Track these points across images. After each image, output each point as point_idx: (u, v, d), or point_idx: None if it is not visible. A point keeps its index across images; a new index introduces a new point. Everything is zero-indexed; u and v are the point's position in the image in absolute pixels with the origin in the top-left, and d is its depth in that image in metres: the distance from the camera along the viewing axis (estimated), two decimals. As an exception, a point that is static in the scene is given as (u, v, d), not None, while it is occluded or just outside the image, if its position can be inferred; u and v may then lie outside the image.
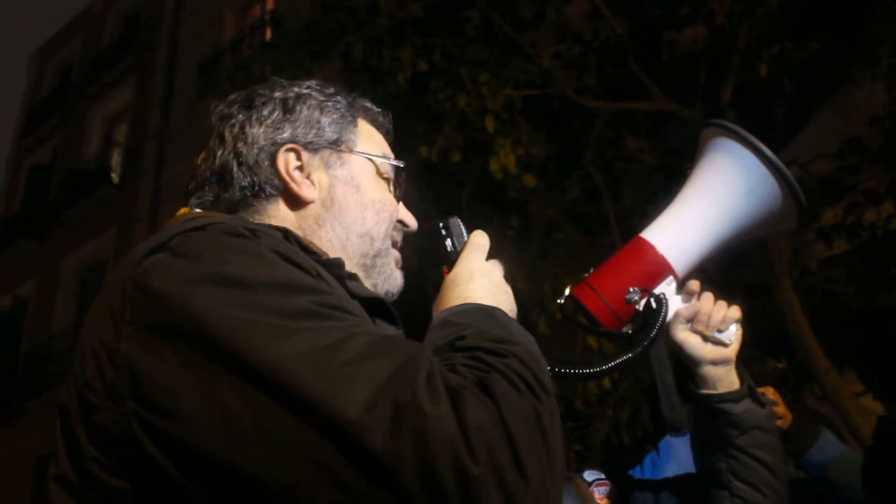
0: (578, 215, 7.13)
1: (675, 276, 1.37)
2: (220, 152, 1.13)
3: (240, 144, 1.11)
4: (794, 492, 1.68)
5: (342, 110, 1.17)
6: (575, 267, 5.95)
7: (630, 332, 1.34)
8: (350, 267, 1.07)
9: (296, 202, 1.11)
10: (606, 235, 6.71)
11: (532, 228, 6.50)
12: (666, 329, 1.39)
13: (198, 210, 1.11)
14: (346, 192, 1.13)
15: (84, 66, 18.64)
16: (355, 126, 1.18)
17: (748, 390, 1.46)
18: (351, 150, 1.16)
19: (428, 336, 0.92)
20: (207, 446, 0.75)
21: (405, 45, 6.37)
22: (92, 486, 0.83)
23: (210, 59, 14.81)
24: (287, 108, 1.14)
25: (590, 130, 6.89)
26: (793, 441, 2.58)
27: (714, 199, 1.38)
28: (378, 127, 1.24)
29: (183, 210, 1.11)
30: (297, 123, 1.13)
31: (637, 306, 1.33)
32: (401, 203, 1.22)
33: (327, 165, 1.13)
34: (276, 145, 1.11)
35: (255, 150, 1.11)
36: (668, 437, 2.77)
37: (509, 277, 1.11)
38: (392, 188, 1.20)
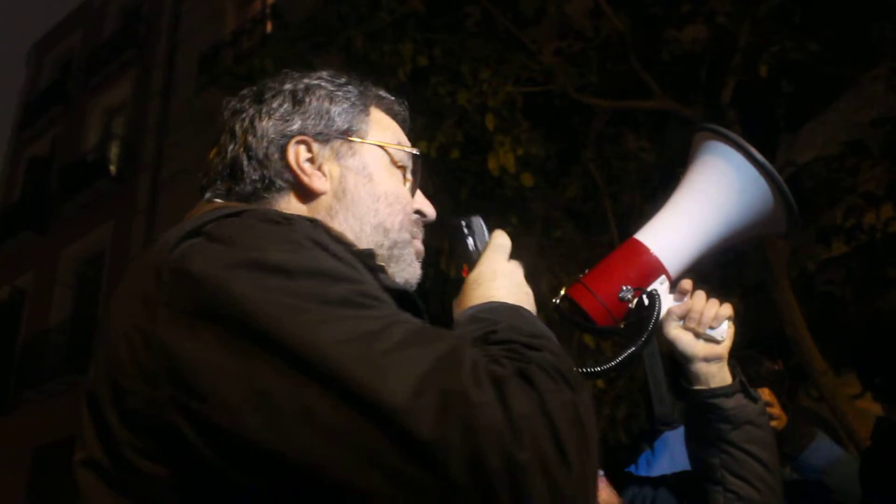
0: (577, 213, 7.13)
1: (668, 276, 1.40)
2: (230, 147, 1.12)
3: (249, 138, 1.11)
4: (788, 494, 1.68)
5: (353, 99, 1.16)
6: (573, 265, 5.95)
7: (623, 326, 1.35)
8: None
9: (307, 194, 1.10)
10: (605, 234, 6.71)
11: (530, 226, 6.49)
12: (659, 327, 1.41)
13: (218, 201, 1.10)
14: (357, 183, 1.11)
15: (84, 59, 18.64)
16: (367, 115, 1.16)
17: (740, 385, 1.47)
18: (362, 139, 1.14)
19: (461, 330, 0.92)
20: (246, 431, 0.74)
21: (406, 39, 6.36)
22: (125, 469, 0.82)
23: (210, 53, 14.79)
24: (296, 100, 1.13)
25: (589, 128, 6.89)
26: (787, 443, 2.58)
27: (705, 202, 1.41)
28: (393, 115, 1.22)
29: (201, 203, 1.10)
30: (307, 115, 1.12)
31: (630, 304, 1.35)
32: (419, 192, 1.20)
33: (338, 156, 1.12)
34: (286, 137, 1.10)
35: (265, 143, 1.10)
36: (664, 434, 2.77)
37: (530, 279, 1.11)
38: (407, 177, 1.18)
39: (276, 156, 1.09)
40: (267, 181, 1.09)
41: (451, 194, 6.18)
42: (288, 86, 1.14)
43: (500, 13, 6.61)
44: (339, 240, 0.93)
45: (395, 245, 1.12)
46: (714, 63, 6.26)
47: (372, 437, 0.71)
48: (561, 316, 1.43)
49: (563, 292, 1.40)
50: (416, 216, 1.18)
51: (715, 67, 6.23)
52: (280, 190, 1.10)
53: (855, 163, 6.14)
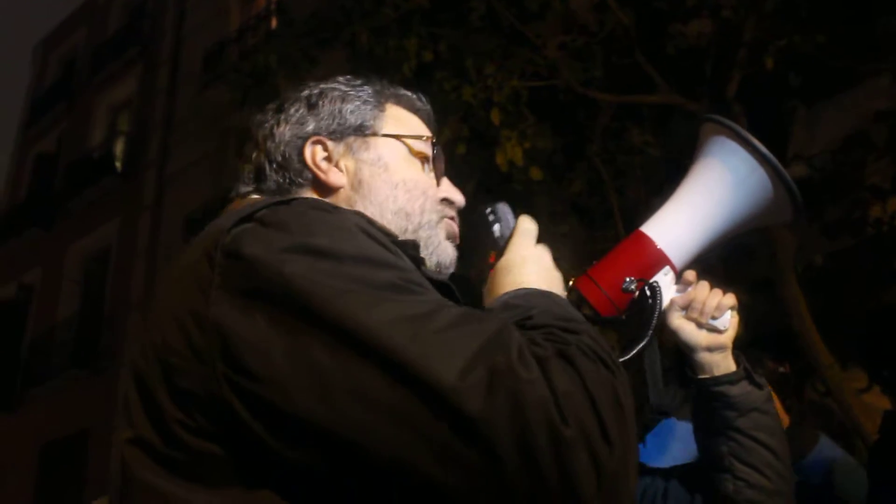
0: (582, 208, 7.13)
1: (673, 267, 1.40)
2: (254, 155, 1.18)
3: (269, 144, 1.17)
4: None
5: (365, 97, 1.20)
6: (578, 259, 5.95)
7: (625, 317, 1.37)
8: None
9: (326, 189, 1.14)
10: (610, 228, 6.71)
11: (536, 221, 6.49)
12: (662, 317, 1.42)
13: (255, 196, 1.14)
14: (373, 173, 1.15)
15: (89, 56, 18.66)
16: (382, 111, 1.20)
17: (745, 373, 1.47)
18: (376, 134, 1.17)
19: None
20: (298, 408, 0.77)
21: (411, 34, 6.36)
22: (176, 447, 0.84)
23: (215, 49, 14.81)
24: (310, 104, 1.18)
25: (594, 123, 6.89)
26: (790, 445, 2.57)
27: (708, 193, 1.42)
28: (414, 111, 1.26)
29: (237, 200, 1.15)
30: (321, 116, 1.17)
31: (634, 296, 1.36)
32: (445, 180, 1.22)
33: (353, 151, 1.16)
34: (302, 139, 1.15)
35: (283, 148, 1.15)
36: (667, 422, 2.76)
37: (558, 262, 1.13)
38: (428, 166, 1.21)
39: (295, 157, 1.15)
40: (288, 181, 1.14)
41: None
42: (304, 93, 1.20)
43: (505, 8, 6.61)
44: (385, 231, 0.96)
45: (419, 227, 1.14)
46: (719, 57, 6.24)
47: (422, 415, 0.73)
48: None
49: (570, 284, 1.40)
50: (445, 202, 1.20)
51: (720, 61, 6.22)
52: (300, 187, 1.14)
53: (860, 156, 6.12)
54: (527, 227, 1.16)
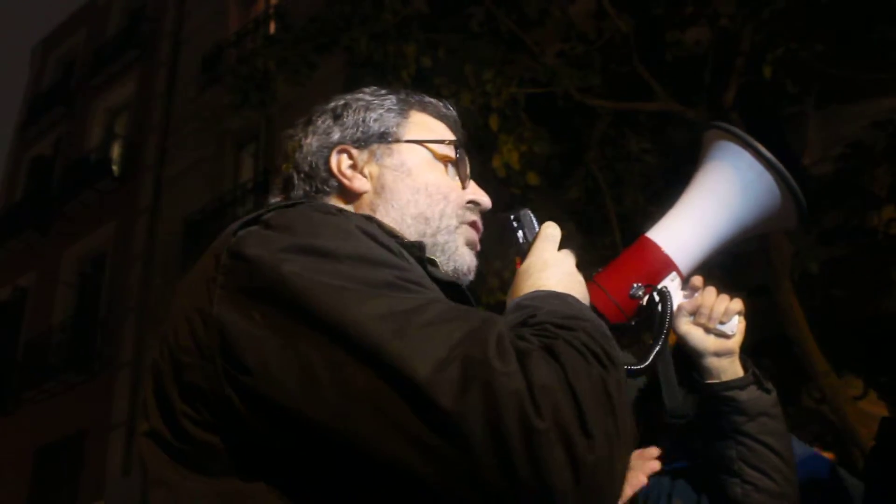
0: (579, 215, 7.14)
1: (679, 274, 1.41)
2: (284, 167, 1.23)
3: (298, 155, 1.21)
4: None
5: (388, 105, 1.23)
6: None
7: (633, 323, 1.37)
8: None
9: (350, 196, 1.18)
10: (607, 235, 6.72)
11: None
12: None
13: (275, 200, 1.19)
14: (396, 178, 1.17)
15: (87, 59, 18.64)
16: (405, 118, 1.23)
17: (753, 378, 1.49)
18: (398, 140, 1.20)
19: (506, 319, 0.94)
20: (288, 400, 0.80)
21: (410, 40, 6.38)
22: (183, 439, 0.88)
23: (213, 53, 14.82)
24: (336, 115, 1.22)
25: (592, 130, 6.90)
26: None
27: (715, 199, 1.42)
28: (440, 117, 1.28)
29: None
30: (346, 126, 1.20)
31: (641, 302, 1.36)
32: (472, 183, 1.25)
33: (376, 157, 1.19)
34: (328, 149, 1.19)
35: (310, 158, 1.19)
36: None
37: (583, 264, 1.14)
38: (453, 171, 1.23)
39: (321, 166, 1.19)
40: (315, 189, 1.19)
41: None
42: (331, 104, 1.25)
43: (504, 15, 6.63)
44: (391, 233, 1.00)
45: (437, 232, 1.16)
46: (717, 65, 6.26)
47: (400, 409, 0.75)
48: None
49: None
50: (470, 205, 1.23)
51: (718, 69, 6.24)
52: (326, 195, 1.18)
53: (858, 164, 6.14)
54: (549, 232, 1.17)
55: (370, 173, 1.18)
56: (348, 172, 1.18)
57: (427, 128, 1.24)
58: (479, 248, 1.23)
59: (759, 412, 1.47)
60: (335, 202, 1.17)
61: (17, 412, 15.25)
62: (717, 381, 1.48)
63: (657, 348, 1.28)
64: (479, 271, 1.23)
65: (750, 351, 1.52)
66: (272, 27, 13.07)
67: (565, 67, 6.47)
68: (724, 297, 1.46)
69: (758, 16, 5.92)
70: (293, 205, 0.97)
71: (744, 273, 5.78)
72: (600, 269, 1.42)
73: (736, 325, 1.47)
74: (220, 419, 0.85)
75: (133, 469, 12.29)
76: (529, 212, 1.23)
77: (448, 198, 1.19)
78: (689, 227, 1.42)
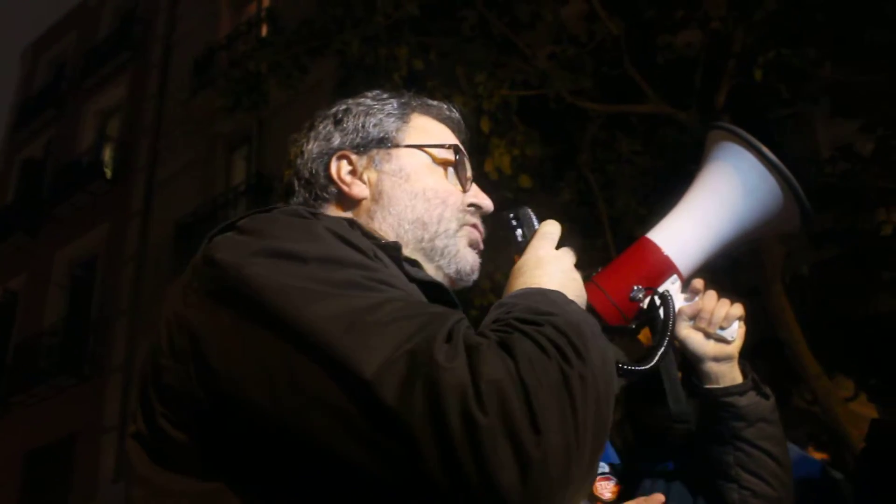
0: (572, 217, 7.15)
1: (680, 276, 1.38)
2: (286, 172, 1.23)
3: (299, 161, 1.21)
4: None
5: (388, 110, 1.22)
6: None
7: (633, 327, 1.35)
8: (409, 253, 1.10)
9: (350, 202, 1.18)
10: (599, 237, 6.73)
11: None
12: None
13: None
14: (394, 184, 1.17)
15: (78, 61, 18.57)
16: (405, 122, 1.22)
17: (752, 383, 1.48)
18: (398, 145, 1.19)
19: (485, 319, 0.93)
20: (248, 400, 0.81)
21: (402, 43, 6.38)
22: (161, 439, 0.89)
23: (205, 56, 14.78)
24: (336, 120, 1.21)
25: (584, 132, 6.91)
26: None
27: (717, 200, 1.40)
28: (442, 120, 1.27)
29: None
30: (345, 131, 1.20)
31: (641, 304, 1.34)
32: (473, 185, 1.23)
33: (375, 163, 1.18)
34: (328, 155, 1.19)
35: (310, 164, 1.19)
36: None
37: (580, 266, 1.12)
38: (453, 174, 1.21)
39: (321, 172, 1.19)
40: (314, 195, 1.19)
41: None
42: (333, 109, 1.24)
43: (496, 17, 6.63)
44: (369, 235, 1.00)
45: (436, 237, 1.15)
46: (708, 68, 6.28)
47: (347, 407, 0.75)
48: None
49: None
50: (471, 208, 1.21)
51: (709, 72, 6.26)
52: (325, 201, 1.18)
53: (847, 167, 6.17)
54: (547, 230, 1.15)
55: (369, 179, 1.17)
56: (347, 179, 1.17)
57: (428, 131, 1.23)
58: (482, 247, 1.22)
59: (757, 418, 1.46)
60: (333, 210, 1.17)
61: (7, 416, 15.17)
62: (716, 386, 1.47)
63: (661, 350, 1.26)
64: None
65: (742, 353, 1.51)
66: (264, 30, 13.07)
67: (557, 70, 6.48)
68: (725, 302, 1.45)
69: (749, 19, 5.95)
70: (269, 209, 0.98)
71: (735, 276, 5.80)
72: (599, 270, 1.39)
73: (736, 331, 1.46)
74: (192, 420, 0.86)
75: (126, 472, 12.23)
76: (529, 210, 1.21)
77: (447, 202, 1.18)
78: (690, 229, 1.39)
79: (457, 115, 1.30)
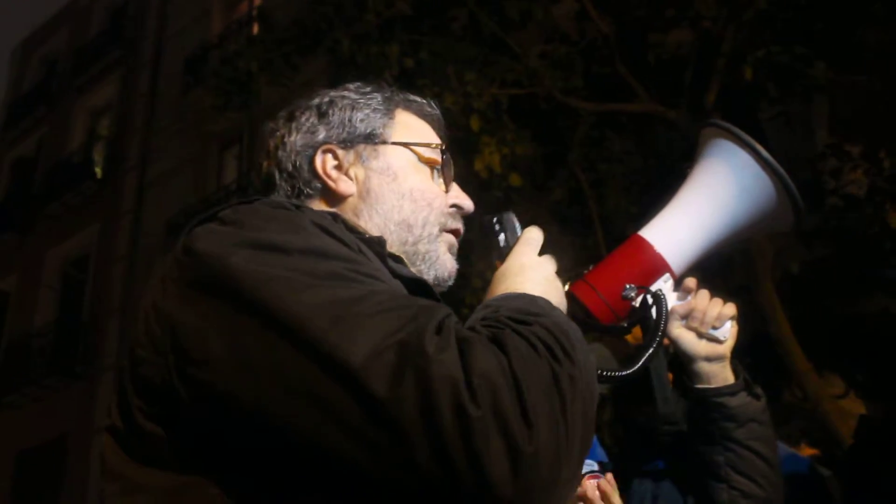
0: (563, 215, 7.16)
1: (672, 274, 1.37)
2: (265, 164, 1.19)
3: (280, 153, 1.17)
4: None
5: (375, 105, 1.20)
6: (559, 267, 5.97)
7: (625, 325, 1.34)
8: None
9: (335, 198, 1.15)
10: (590, 236, 6.74)
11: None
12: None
13: None
14: (381, 182, 1.15)
15: (69, 59, 18.48)
16: (391, 118, 1.20)
17: (743, 384, 1.47)
18: (385, 142, 1.17)
19: (471, 317, 0.92)
20: (230, 391, 0.79)
21: (392, 41, 6.37)
22: (136, 433, 0.88)
23: (196, 54, 14.74)
24: (321, 113, 1.18)
25: (575, 131, 6.92)
26: None
27: (711, 198, 1.38)
28: (423, 116, 1.25)
29: None
30: (331, 125, 1.17)
31: (633, 303, 1.32)
32: (455, 186, 1.22)
33: (362, 159, 1.16)
34: (313, 148, 1.16)
35: (293, 156, 1.16)
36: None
37: (568, 267, 1.11)
38: (437, 174, 1.20)
39: (305, 166, 1.16)
40: (297, 190, 1.16)
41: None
42: (315, 101, 1.21)
43: (486, 16, 6.63)
44: (353, 229, 0.98)
45: (419, 241, 1.15)
46: (699, 66, 6.30)
47: (334, 397, 0.74)
48: None
49: (566, 288, 1.38)
50: (453, 209, 1.20)
51: (700, 71, 6.27)
52: (309, 197, 1.16)
53: (836, 166, 6.19)
54: (530, 236, 1.14)
55: (356, 175, 1.15)
56: (333, 174, 1.15)
57: (412, 128, 1.21)
58: (456, 247, 1.21)
59: (748, 418, 1.45)
60: (318, 204, 1.14)
61: (-1, 416, 15.12)
62: (707, 386, 1.46)
63: (649, 353, 1.25)
64: (463, 272, 1.22)
65: (734, 351, 1.50)
66: (255, 29, 13.04)
67: (547, 69, 6.49)
68: (718, 302, 1.44)
69: (739, 18, 5.96)
70: (251, 201, 0.96)
71: (725, 274, 5.82)
72: (591, 268, 1.37)
73: (728, 330, 1.45)
74: (169, 412, 0.85)
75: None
76: (512, 214, 1.19)
77: (432, 205, 1.17)
78: (683, 227, 1.38)
79: (437, 111, 1.28)
